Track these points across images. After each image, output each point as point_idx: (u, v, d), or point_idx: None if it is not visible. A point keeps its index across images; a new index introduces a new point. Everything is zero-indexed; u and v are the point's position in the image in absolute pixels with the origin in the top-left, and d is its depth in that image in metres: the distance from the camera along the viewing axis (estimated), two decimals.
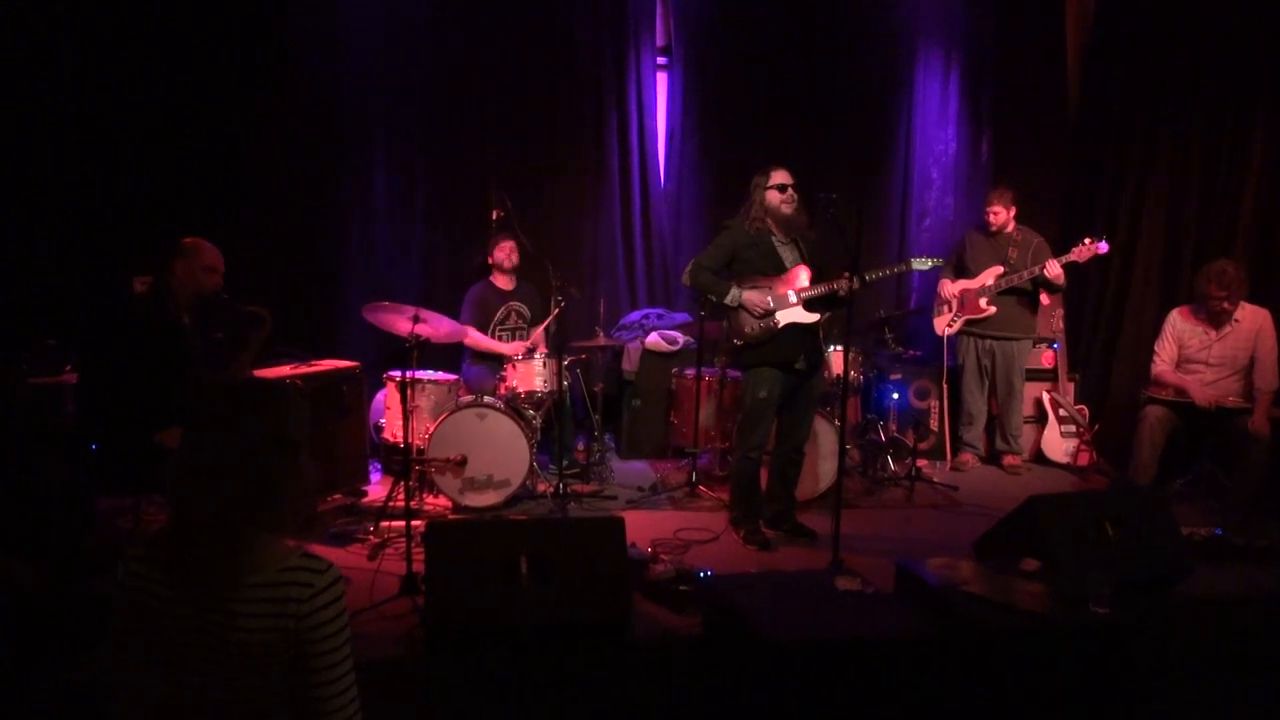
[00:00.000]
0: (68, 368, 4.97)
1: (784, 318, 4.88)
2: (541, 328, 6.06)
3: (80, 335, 4.86)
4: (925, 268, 5.30)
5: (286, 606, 1.78)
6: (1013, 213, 6.60)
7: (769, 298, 4.87)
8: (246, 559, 1.81)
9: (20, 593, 3.72)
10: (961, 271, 6.75)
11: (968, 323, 6.66)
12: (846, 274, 4.60)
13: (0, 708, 3.23)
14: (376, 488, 5.78)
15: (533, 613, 3.54)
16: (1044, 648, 3.30)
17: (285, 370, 5.17)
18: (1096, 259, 6.35)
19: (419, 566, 3.93)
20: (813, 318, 4.92)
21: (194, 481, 1.82)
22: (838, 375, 5.55)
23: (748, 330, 4.90)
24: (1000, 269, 6.53)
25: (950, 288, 6.72)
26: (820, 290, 4.89)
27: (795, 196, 4.91)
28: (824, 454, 5.62)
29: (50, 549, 4.01)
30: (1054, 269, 6.28)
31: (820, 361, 5.12)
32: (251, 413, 1.86)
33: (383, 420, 5.83)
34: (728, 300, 4.89)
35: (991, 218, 6.58)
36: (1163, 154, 6.87)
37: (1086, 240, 6.22)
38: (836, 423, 5.40)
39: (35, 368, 4.92)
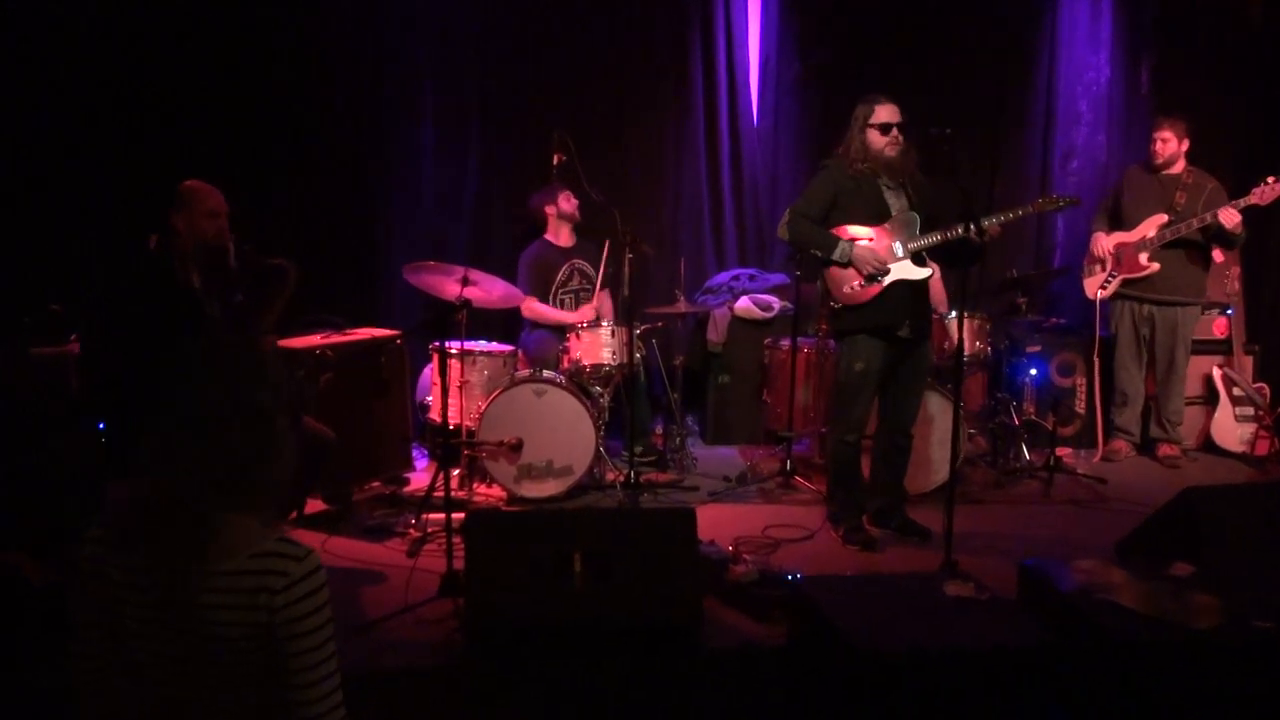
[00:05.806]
0: (73, 337, 5.01)
1: (890, 274, 4.83)
2: (607, 292, 6.07)
3: (84, 301, 4.93)
4: (1055, 208, 5.16)
5: (258, 598, 1.78)
6: (1184, 147, 6.35)
7: (882, 254, 4.82)
8: (213, 544, 1.81)
9: (26, 588, 3.90)
10: (1117, 223, 6.53)
11: (1124, 283, 6.45)
12: (961, 223, 4.53)
13: (2, 706, 3.39)
14: (421, 475, 5.87)
15: (587, 615, 3.59)
16: (1196, 666, 3.24)
17: (316, 339, 5.28)
18: None
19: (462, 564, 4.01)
20: (924, 273, 4.86)
21: (153, 456, 1.83)
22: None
23: (847, 289, 4.86)
24: (1164, 217, 6.29)
25: (1104, 242, 6.51)
26: (931, 240, 4.82)
27: (900, 137, 4.83)
28: (940, 439, 5.53)
29: (57, 539, 4.17)
30: (1231, 216, 6.02)
31: (928, 328, 5.06)
32: (218, 378, 1.87)
33: (429, 398, 5.86)
34: (836, 256, 4.82)
35: (1159, 145, 6.33)
36: None
37: (1270, 179, 5.98)
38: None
39: (37, 337, 4.97)
